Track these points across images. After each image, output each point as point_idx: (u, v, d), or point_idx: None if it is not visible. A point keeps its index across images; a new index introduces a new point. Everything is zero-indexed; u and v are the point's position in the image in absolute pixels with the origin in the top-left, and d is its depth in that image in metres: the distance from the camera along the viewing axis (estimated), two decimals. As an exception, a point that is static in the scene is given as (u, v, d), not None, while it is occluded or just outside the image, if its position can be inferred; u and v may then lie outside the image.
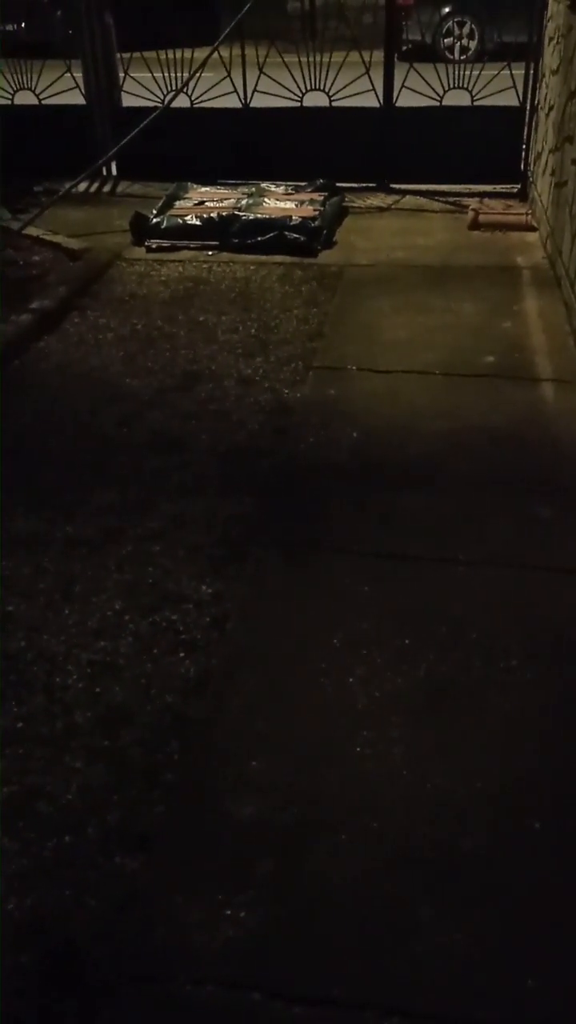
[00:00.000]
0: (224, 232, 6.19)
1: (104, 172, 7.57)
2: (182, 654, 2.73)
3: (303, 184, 7.09)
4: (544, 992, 1.86)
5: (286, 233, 6.08)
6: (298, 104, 7.18)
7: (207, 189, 7.09)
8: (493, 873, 2.09)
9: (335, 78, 7.06)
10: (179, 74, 7.10)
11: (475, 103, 6.99)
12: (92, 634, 2.82)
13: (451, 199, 7.12)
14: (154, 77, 7.22)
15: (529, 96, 6.82)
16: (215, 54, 6.85)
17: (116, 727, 2.48)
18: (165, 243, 6.20)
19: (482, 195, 7.12)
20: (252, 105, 7.24)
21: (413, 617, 2.84)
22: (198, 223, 6.28)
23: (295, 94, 7.15)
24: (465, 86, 7.00)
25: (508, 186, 7.18)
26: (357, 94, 7.01)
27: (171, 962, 1.92)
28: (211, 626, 2.84)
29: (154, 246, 6.19)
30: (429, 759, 2.36)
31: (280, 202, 6.73)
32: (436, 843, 2.15)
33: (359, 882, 2.08)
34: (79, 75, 7.38)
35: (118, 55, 7.52)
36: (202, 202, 6.75)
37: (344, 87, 7.04)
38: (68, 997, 1.87)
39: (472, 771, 2.33)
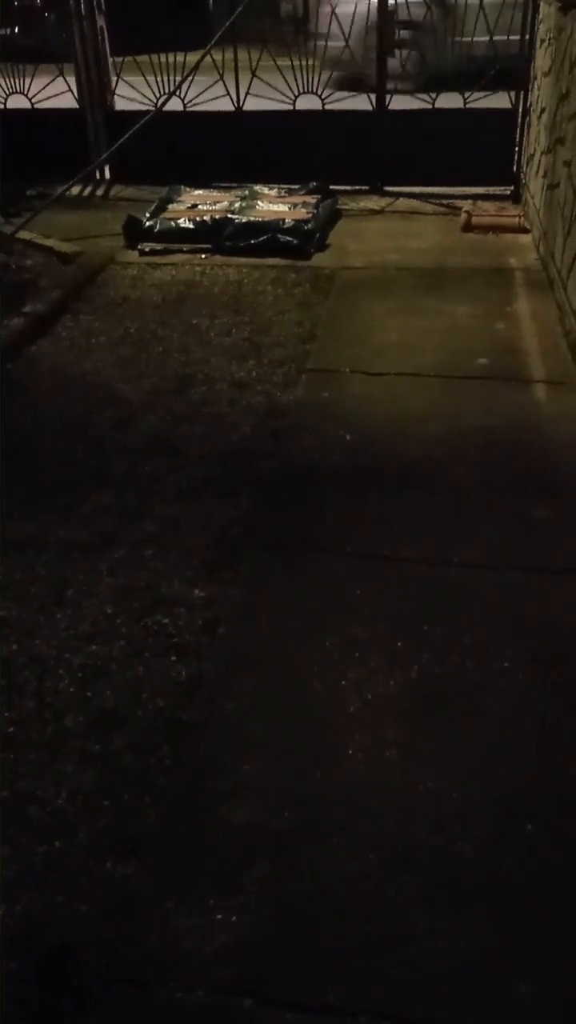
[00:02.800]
0: (217, 235, 6.18)
1: (97, 176, 7.57)
2: (174, 658, 2.72)
3: (296, 187, 7.10)
4: (540, 998, 1.85)
5: (279, 236, 6.08)
6: (291, 107, 7.18)
7: (200, 192, 7.09)
8: (489, 877, 2.08)
9: (328, 81, 7.07)
10: (172, 77, 7.11)
11: (467, 106, 7.00)
12: (84, 638, 2.80)
13: (444, 201, 7.12)
14: (147, 80, 7.23)
15: (521, 98, 6.83)
16: (207, 57, 6.85)
17: (108, 731, 2.46)
18: (158, 246, 6.19)
19: (475, 197, 7.12)
20: (245, 108, 7.24)
21: (407, 619, 2.83)
22: (191, 226, 6.28)
23: (288, 97, 7.16)
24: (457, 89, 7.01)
25: (501, 188, 7.19)
26: (350, 97, 7.01)
27: (163, 968, 1.91)
28: (203, 629, 2.82)
29: (147, 249, 6.18)
30: (423, 762, 2.35)
31: (273, 205, 6.74)
32: (431, 847, 2.14)
33: (353, 887, 2.06)
34: (72, 79, 7.39)
35: (111, 59, 7.53)
36: (195, 205, 6.75)
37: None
38: (59, 1002, 1.85)
39: (467, 774, 2.32)
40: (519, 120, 6.91)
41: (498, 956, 1.92)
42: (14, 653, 2.75)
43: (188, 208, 6.68)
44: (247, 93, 7.16)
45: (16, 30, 9.85)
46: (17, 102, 7.53)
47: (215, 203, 6.77)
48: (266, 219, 6.34)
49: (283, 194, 7.00)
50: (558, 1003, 1.84)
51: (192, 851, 2.15)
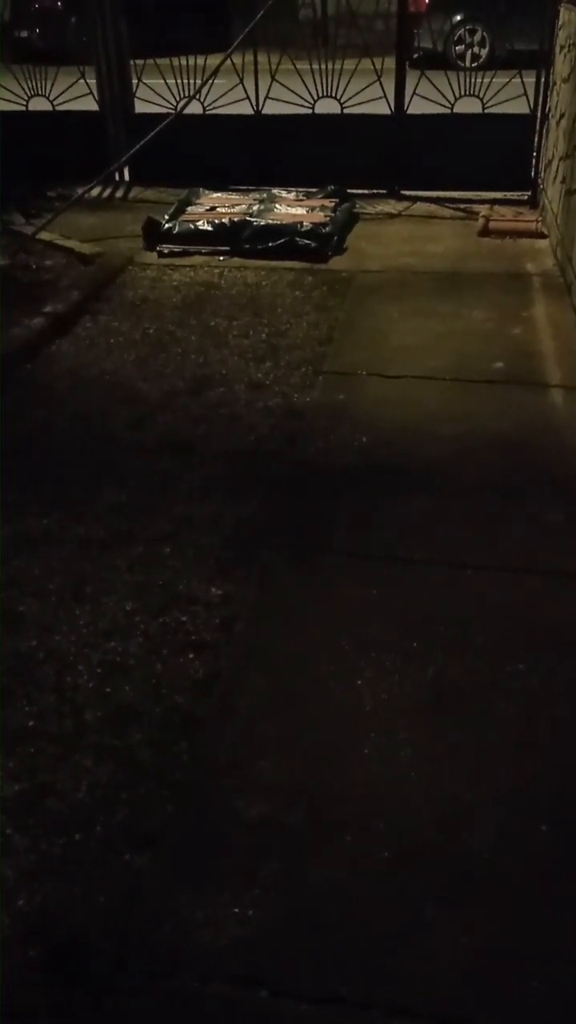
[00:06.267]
0: (235, 238, 6.22)
1: (117, 177, 7.63)
2: (191, 655, 2.75)
3: (314, 190, 7.14)
4: (549, 993, 1.87)
5: (297, 239, 6.12)
6: (310, 111, 7.22)
7: (219, 195, 7.14)
8: (499, 875, 2.10)
9: (347, 85, 7.11)
10: (192, 81, 7.15)
11: (486, 111, 7.02)
12: (102, 634, 2.84)
13: (461, 206, 7.14)
14: (167, 84, 7.27)
15: (540, 104, 6.84)
16: (227, 61, 6.89)
17: (125, 726, 2.50)
18: (177, 248, 6.24)
19: (492, 202, 7.14)
20: (264, 112, 7.28)
21: (421, 620, 2.86)
22: (210, 228, 6.32)
23: (307, 101, 7.19)
24: (476, 94, 7.03)
25: (518, 193, 7.21)
26: (368, 101, 7.05)
27: (178, 959, 1.94)
28: (220, 627, 2.85)
29: (166, 251, 6.23)
30: (436, 761, 2.38)
31: (291, 208, 6.78)
32: (442, 844, 2.16)
33: (365, 882, 2.09)
34: (92, 81, 7.44)
35: (131, 62, 7.58)
36: (214, 208, 6.79)
37: (356, 94, 7.09)
38: (75, 992, 1.88)
39: (479, 773, 2.34)
40: (537, 125, 6.92)
41: (508, 952, 1.94)
42: (33, 648, 2.79)
43: (207, 210, 6.73)
44: (266, 97, 7.20)
45: (37, 32, 9.91)
46: (38, 104, 7.59)
47: (233, 206, 6.81)
48: (284, 222, 6.37)
49: (301, 197, 7.04)
50: (568, 999, 1.86)
51: (207, 845, 2.18)
